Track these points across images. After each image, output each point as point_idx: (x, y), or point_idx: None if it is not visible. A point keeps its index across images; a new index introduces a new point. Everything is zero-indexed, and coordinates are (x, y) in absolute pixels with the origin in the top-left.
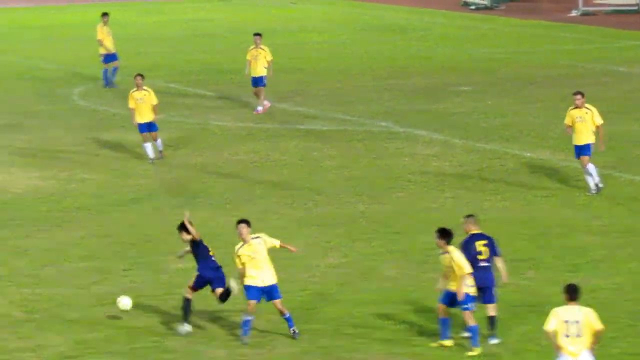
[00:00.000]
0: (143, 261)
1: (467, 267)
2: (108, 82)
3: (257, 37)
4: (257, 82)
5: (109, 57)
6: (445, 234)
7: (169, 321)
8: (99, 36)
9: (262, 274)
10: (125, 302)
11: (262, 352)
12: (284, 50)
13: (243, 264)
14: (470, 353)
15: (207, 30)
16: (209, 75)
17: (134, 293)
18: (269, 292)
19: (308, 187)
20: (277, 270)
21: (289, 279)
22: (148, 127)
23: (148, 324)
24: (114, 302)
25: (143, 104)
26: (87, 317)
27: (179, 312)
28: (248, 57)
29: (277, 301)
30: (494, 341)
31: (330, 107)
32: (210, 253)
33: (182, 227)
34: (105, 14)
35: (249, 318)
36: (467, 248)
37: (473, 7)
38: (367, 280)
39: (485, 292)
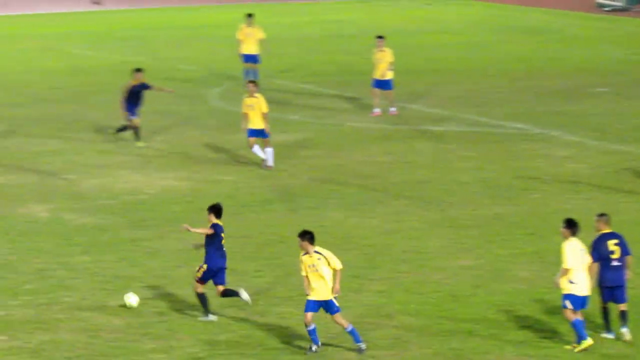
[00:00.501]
0: (276, 262)
1: (567, 262)
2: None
3: (380, 39)
4: (382, 85)
5: (249, 58)
6: (571, 225)
7: (298, 323)
8: (240, 36)
9: (318, 288)
10: (132, 300)
11: (394, 353)
12: (419, 51)
13: (307, 274)
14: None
15: (344, 31)
16: (344, 77)
17: (266, 294)
18: (325, 307)
19: (442, 189)
20: (411, 270)
21: (423, 280)
22: (257, 134)
23: (277, 325)
24: (245, 304)
25: (253, 111)
26: (218, 318)
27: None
28: (373, 59)
29: (335, 315)
30: (624, 330)
31: (465, 109)
32: (223, 242)
33: (212, 210)
34: (249, 15)
35: (310, 328)
36: (598, 247)
37: (608, 8)
38: (501, 281)
39: (617, 291)
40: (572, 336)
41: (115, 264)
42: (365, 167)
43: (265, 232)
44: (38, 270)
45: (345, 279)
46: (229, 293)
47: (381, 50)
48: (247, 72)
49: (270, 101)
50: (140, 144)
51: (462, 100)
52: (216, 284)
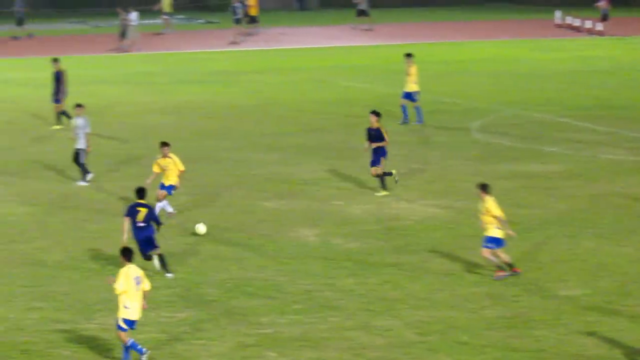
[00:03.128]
0: (533, 287)
1: None
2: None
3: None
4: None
5: (406, 95)
6: None
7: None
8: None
9: None
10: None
11: None
12: None
13: None
14: None
15: (600, 66)
16: (600, 111)
17: (522, 318)
18: None
19: None
20: None
21: None
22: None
23: (526, 346)
24: (504, 326)
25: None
26: (477, 340)
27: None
28: None
29: None
30: None
31: None
32: None
33: None
34: (408, 55)
35: None
36: None
37: None
38: None
39: None
40: None
41: (378, 287)
42: (620, 199)
43: (524, 259)
44: (306, 291)
45: (598, 304)
46: None
47: None
48: (404, 108)
49: (528, 134)
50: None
51: None
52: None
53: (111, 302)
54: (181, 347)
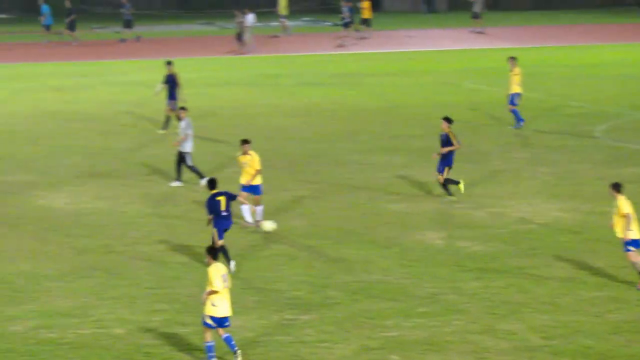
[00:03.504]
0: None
1: None
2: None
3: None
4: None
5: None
6: None
7: None
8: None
9: None
10: (268, 226)
11: None
12: None
13: None
14: None
15: None
16: None
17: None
18: None
19: None
20: None
21: None
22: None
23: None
24: (629, 330)
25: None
26: (602, 345)
27: None
28: None
29: None
30: None
31: None
32: None
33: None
34: (512, 58)
35: None
36: None
37: None
38: None
39: None
40: None
41: (503, 290)
42: None
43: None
44: (431, 294)
45: None
46: None
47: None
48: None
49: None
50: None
51: None
52: None
53: (235, 305)
54: (305, 350)
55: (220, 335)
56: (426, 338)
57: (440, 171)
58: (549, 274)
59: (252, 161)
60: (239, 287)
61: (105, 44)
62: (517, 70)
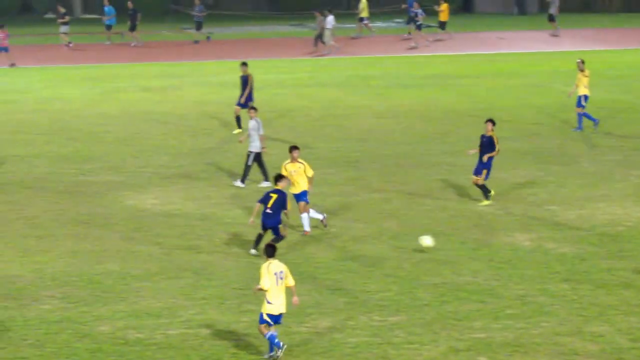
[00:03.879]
0: None
1: None
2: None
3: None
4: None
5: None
6: None
7: None
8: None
9: None
10: (427, 241)
11: None
12: None
13: None
14: None
15: None
16: None
17: None
18: None
19: None
20: None
21: None
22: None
23: None
24: None
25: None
26: None
27: None
28: None
29: None
30: None
31: None
32: None
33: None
34: (581, 61)
35: None
36: None
37: None
38: None
39: None
40: None
41: (592, 292)
42: None
43: None
44: (519, 296)
45: None
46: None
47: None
48: (587, 115)
49: None
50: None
51: None
52: None
53: (324, 306)
54: (393, 352)
55: (268, 331)
56: (514, 340)
57: (479, 173)
58: (638, 276)
59: (301, 169)
60: (329, 289)
61: (194, 45)
62: (586, 72)
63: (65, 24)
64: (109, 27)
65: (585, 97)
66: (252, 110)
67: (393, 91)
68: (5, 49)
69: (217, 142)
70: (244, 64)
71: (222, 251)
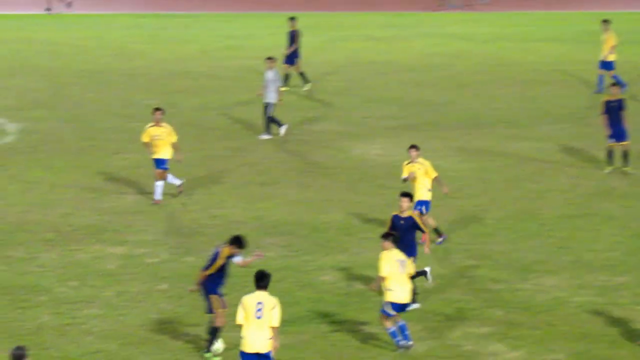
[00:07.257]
0: None
1: None
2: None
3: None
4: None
5: (603, 65)
6: None
7: None
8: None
9: None
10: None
11: None
12: None
13: None
14: None
15: None
16: None
17: None
18: None
19: None
20: None
21: None
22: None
23: None
24: None
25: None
26: None
27: None
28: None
29: None
30: None
31: None
32: None
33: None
34: (604, 21)
35: None
36: None
37: None
38: None
39: None
40: None
41: None
42: None
43: None
44: None
45: None
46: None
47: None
48: (600, 79)
49: None
50: (608, 169)
51: None
52: None
53: (548, 263)
54: (618, 312)
55: (396, 322)
56: None
57: (623, 138)
58: None
59: (422, 169)
60: (555, 247)
61: None
62: (609, 35)
63: None
64: None
65: (610, 61)
66: (269, 61)
67: (627, 48)
68: None
69: (443, 94)
70: (292, 19)
71: (444, 204)
